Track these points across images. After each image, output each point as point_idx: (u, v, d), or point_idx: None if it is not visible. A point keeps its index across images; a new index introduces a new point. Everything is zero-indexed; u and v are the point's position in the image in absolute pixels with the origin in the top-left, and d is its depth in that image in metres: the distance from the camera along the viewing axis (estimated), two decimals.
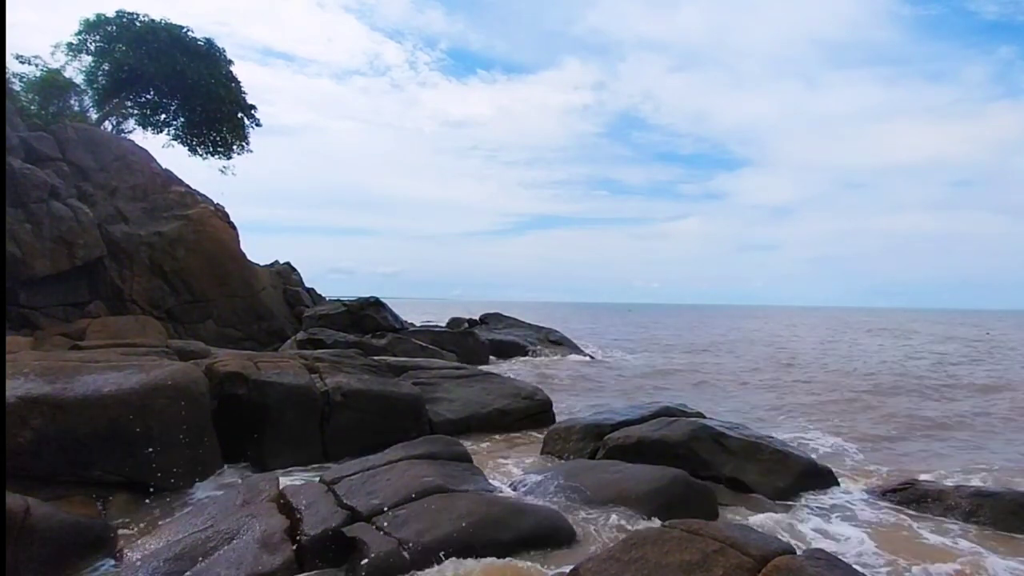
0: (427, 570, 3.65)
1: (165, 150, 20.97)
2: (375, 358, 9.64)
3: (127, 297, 14.37)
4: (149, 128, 20.42)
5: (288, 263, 21.51)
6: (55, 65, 18.90)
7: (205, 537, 3.78)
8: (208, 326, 15.50)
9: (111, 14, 19.07)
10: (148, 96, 20.05)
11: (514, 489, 5.17)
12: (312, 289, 21.71)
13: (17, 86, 17.72)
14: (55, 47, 18.96)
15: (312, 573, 3.67)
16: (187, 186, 17.59)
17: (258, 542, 3.70)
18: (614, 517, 4.59)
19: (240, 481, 5.70)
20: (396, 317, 18.30)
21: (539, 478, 5.44)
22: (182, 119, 20.51)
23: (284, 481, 5.14)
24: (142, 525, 4.83)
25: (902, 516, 5.41)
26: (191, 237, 15.70)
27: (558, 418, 9.00)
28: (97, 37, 19.01)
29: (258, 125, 22.00)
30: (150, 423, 5.51)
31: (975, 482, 6.29)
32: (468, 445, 6.45)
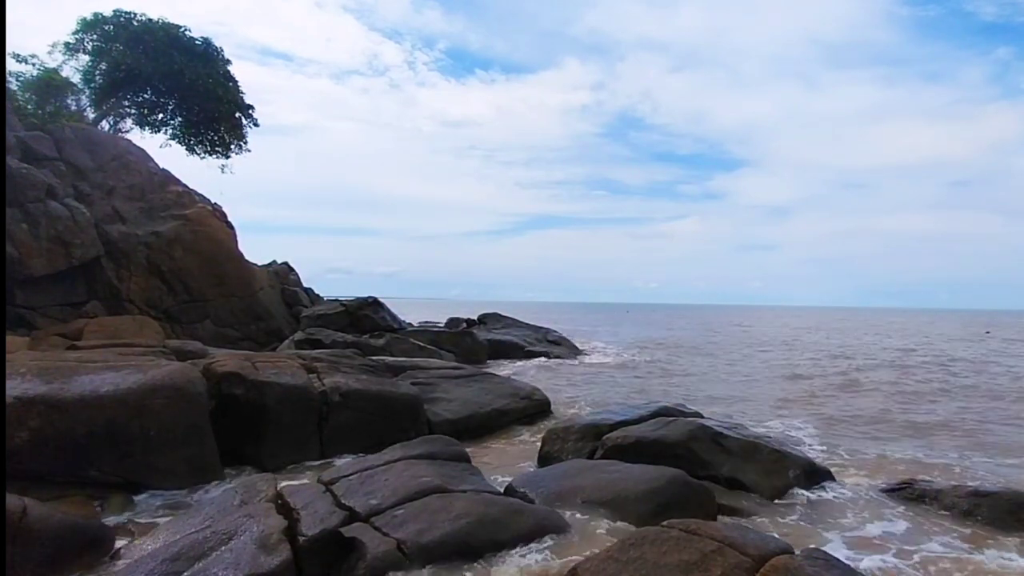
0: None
1: (163, 150, 20.92)
2: (373, 358, 9.63)
3: (124, 297, 14.33)
4: (146, 127, 20.38)
5: (286, 263, 21.48)
6: (52, 64, 18.85)
7: (203, 538, 3.77)
8: (206, 326, 15.46)
9: (108, 13, 19.02)
10: (145, 95, 19.99)
11: (512, 489, 5.16)
12: (310, 289, 21.69)
13: (14, 85, 17.66)
14: (52, 46, 18.93)
15: None
16: (185, 186, 17.55)
17: (256, 543, 3.69)
18: (612, 517, 4.59)
19: (238, 481, 5.69)
20: (394, 317, 18.29)
21: (537, 478, 5.44)
22: (180, 118, 20.45)
23: (282, 481, 5.14)
24: (139, 525, 4.82)
25: (901, 515, 5.41)
26: (188, 237, 15.67)
27: (556, 418, 9.00)
28: (94, 36, 18.95)
29: (256, 125, 21.98)
30: (147, 423, 5.50)
31: (975, 481, 6.30)
32: (466, 445, 6.45)
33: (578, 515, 4.59)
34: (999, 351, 25.33)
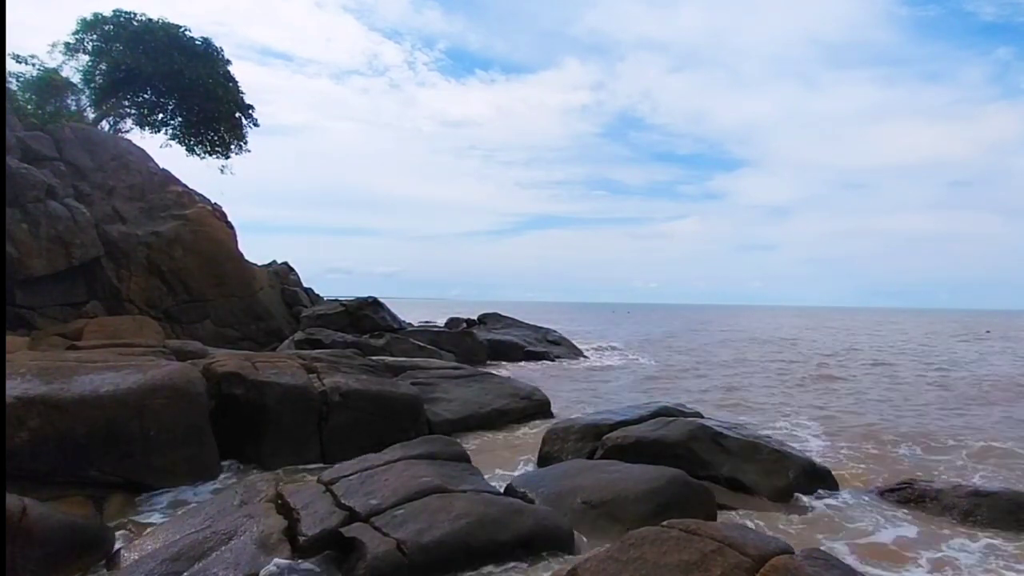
0: None
1: (163, 150, 20.88)
2: (373, 358, 9.63)
3: (124, 297, 14.33)
4: (146, 128, 20.35)
5: (286, 263, 21.48)
6: (52, 64, 18.85)
7: (203, 538, 3.77)
8: (206, 326, 15.46)
9: (108, 13, 19.02)
10: (145, 95, 19.98)
11: (512, 489, 5.16)
12: (310, 289, 21.67)
13: (14, 85, 17.66)
14: (52, 46, 18.90)
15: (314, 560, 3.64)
16: (184, 186, 17.55)
17: (256, 543, 3.69)
18: (612, 517, 4.58)
19: (238, 482, 5.69)
20: (394, 317, 18.29)
21: (537, 478, 5.44)
22: (180, 119, 20.43)
23: (282, 481, 5.14)
24: (139, 526, 4.82)
25: (900, 516, 5.42)
26: (188, 237, 15.66)
27: (556, 418, 9.00)
28: (94, 36, 18.94)
29: (256, 125, 21.95)
30: (147, 423, 5.50)
31: (974, 481, 6.31)
32: (466, 445, 6.45)
33: (578, 515, 4.59)
34: (999, 350, 25.34)
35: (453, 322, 23.58)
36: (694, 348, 25.55)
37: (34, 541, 3.69)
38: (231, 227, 17.64)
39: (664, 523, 3.45)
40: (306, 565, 3.50)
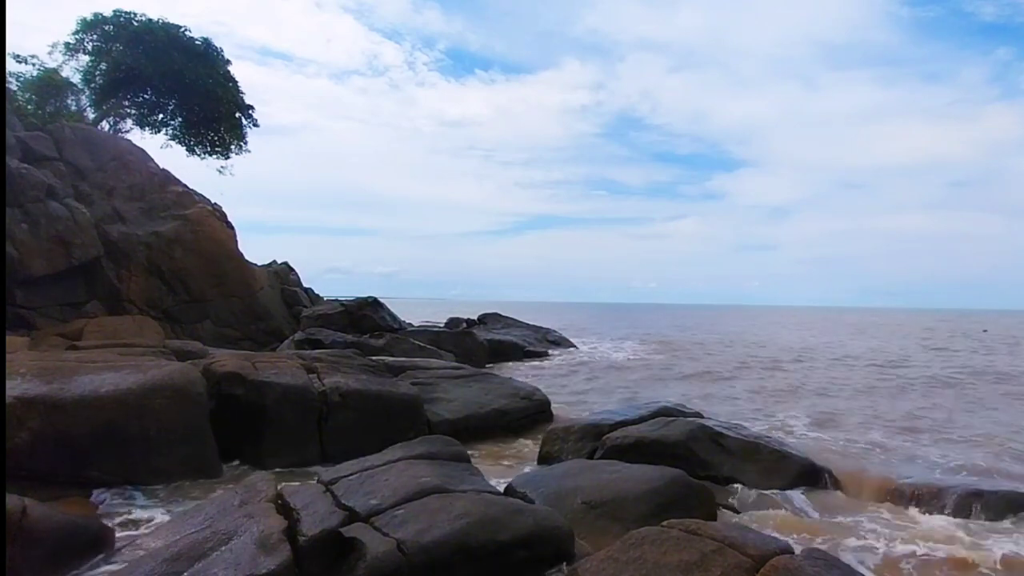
0: None
1: (163, 150, 20.90)
2: (373, 358, 9.63)
3: (124, 297, 14.33)
4: (146, 128, 20.37)
5: (286, 263, 21.49)
6: (52, 64, 18.88)
7: (202, 538, 3.77)
8: (206, 326, 15.46)
9: (108, 13, 19.03)
10: (145, 96, 19.99)
11: (512, 489, 5.16)
12: (310, 289, 21.69)
13: (14, 85, 17.68)
14: (52, 46, 18.93)
15: None
16: (185, 186, 17.55)
17: (256, 543, 3.69)
18: (612, 517, 4.58)
19: (238, 482, 5.69)
20: (394, 317, 18.29)
21: (537, 478, 5.44)
22: (180, 119, 20.44)
23: (282, 481, 5.13)
24: (139, 525, 4.82)
25: (899, 514, 5.42)
26: (189, 237, 15.67)
27: (556, 418, 8.99)
28: (94, 36, 18.95)
29: (256, 125, 21.98)
30: (147, 423, 5.50)
31: (968, 479, 6.31)
32: (466, 445, 6.46)
33: (578, 515, 4.59)
34: (998, 348, 25.33)
35: (453, 322, 23.60)
36: (694, 347, 25.53)
37: (35, 541, 3.69)
38: (231, 227, 17.65)
39: (664, 523, 3.45)
40: None
